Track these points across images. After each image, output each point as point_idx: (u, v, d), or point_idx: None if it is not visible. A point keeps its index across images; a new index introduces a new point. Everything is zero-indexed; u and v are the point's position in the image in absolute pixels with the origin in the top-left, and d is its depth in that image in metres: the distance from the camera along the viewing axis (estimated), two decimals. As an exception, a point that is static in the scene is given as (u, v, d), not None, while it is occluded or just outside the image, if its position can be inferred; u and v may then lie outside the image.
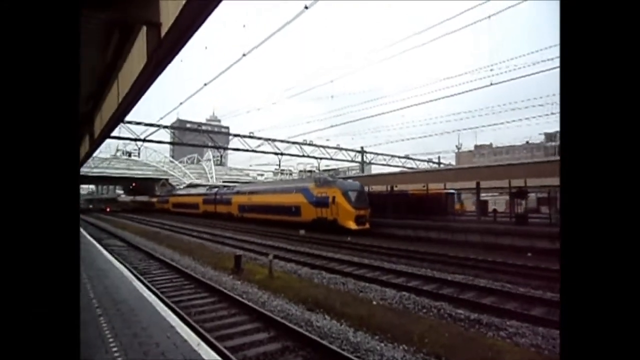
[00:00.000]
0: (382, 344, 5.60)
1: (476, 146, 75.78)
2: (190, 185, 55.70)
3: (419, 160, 49.90)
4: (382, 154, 45.97)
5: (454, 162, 55.47)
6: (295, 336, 5.75)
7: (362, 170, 46.26)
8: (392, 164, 46.81)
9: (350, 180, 25.36)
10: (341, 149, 42.81)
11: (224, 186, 43.37)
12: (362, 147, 44.09)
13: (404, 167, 47.59)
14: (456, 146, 61.97)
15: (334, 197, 22.26)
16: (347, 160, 44.92)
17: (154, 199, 61.59)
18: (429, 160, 50.36)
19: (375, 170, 48.42)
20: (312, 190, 24.37)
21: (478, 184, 21.12)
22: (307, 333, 5.80)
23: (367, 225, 21.83)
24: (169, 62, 4.45)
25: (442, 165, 47.39)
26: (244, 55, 9.67)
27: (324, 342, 5.45)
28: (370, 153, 45.16)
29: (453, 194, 26.10)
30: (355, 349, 5.46)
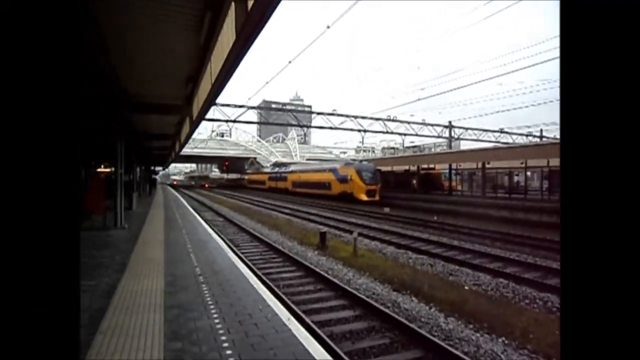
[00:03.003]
0: (478, 334, 5.15)
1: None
2: (275, 164, 58.94)
3: (515, 134, 45.00)
4: (472, 129, 42.49)
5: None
6: (382, 317, 5.60)
7: (450, 146, 43.45)
8: (484, 139, 43.04)
9: (365, 162, 32.43)
10: (427, 124, 40.62)
11: (284, 165, 51.82)
12: (449, 122, 41.23)
13: (497, 141, 43.43)
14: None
15: (351, 176, 29.22)
16: (434, 136, 42.51)
17: (239, 177, 70.32)
18: (529, 134, 45.04)
19: (464, 146, 45.13)
20: (339, 170, 31.57)
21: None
22: (394, 314, 5.61)
23: (377, 197, 28.10)
24: (256, 37, 4.45)
25: (544, 140, 41.90)
26: (328, 27, 9.43)
27: (412, 326, 5.21)
28: (459, 127, 42.05)
29: (444, 172, 30.46)
30: (447, 336, 5.12)
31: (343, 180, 30.33)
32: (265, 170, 57.55)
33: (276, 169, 51.00)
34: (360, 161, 33.82)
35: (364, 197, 27.92)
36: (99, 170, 19.92)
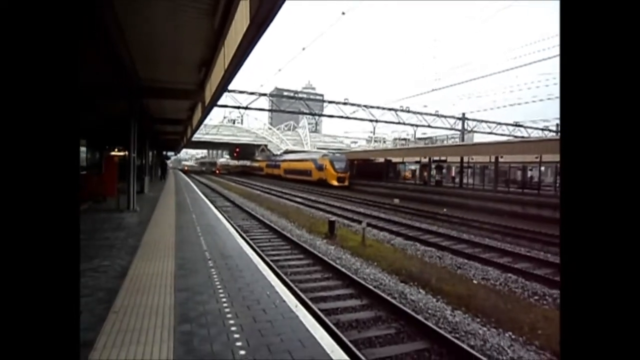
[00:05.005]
0: (485, 328, 5.14)
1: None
2: (287, 152, 59.39)
3: (531, 127, 44.06)
4: (486, 121, 41.74)
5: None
6: (389, 307, 5.62)
7: (462, 139, 42.83)
8: (498, 132, 42.27)
9: (338, 154, 39.23)
10: (440, 115, 40.01)
11: (278, 155, 58.23)
12: (463, 114, 40.54)
13: (511, 135, 42.65)
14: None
15: (325, 165, 36.05)
16: (446, 128, 41.90)
17: (246, 163, 74.75)
18: (545, 128, 44.06)
19: (477, 138, 44.45)
20: (318, 160, 37.94)
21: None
22: (400, 305, 5.62)
23: (346, 183, 34.98)
24: (270, 22, 4.39)
25: (559, 134, 40.94)
26: (343, 13, 9.26)
27: (419, 317, 5.22)
28: (473, 120, 41.34)
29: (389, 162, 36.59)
30: (454, 329, 5.12)
31: (320, 168, 36.96)
32: (264, 158, 64.89)
33: (272, 158, 58.96)
34: (334, 153, 40.60)
35: (335, 183, 34.80)
36: (112, 153, 20.21)
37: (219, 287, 4.45)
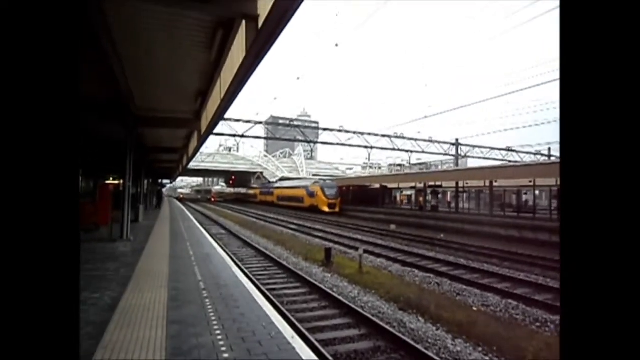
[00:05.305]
0: (487, 358, 4.99)
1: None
2: (282, 179, 59.85)
3: (523, 152, 44.73)
4: (479, 146, 42.37)
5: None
6: (388, 336, 5.47)
7: (457, 164, 43.27)
8: (491, 157, 42.82)
9: (329, 181, 41.55)
10: (433, 141, 40.61)
11: (270, 182, 61.01)
12: (456, 140, 41.19)
13: (504, 159, 43.20)
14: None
15: (316, 192, 37.21)
16: (440, 154, 42.42)
17: (241, 191, 75.27)
18: (537, 153, 44.72)
19: (470, 163, 44.96)
20: (309, 187, 39.47)
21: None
22: (400, 334, 5.48)
23: (337, 209, 35.77)
24: (266, 53, 4.53)
25: (552, 159, 41.58)
26: (336, 45, 9.56)
27: (419, 347, 5.07)
28: (466, 145, 41.95)
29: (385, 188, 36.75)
30: (456, 359, 4.97)
31: (312, 195, 38.16)
32: (259, 186, 66.46)
33: (266, 185, 61.26)
34: (325, 180, 43.15)
35: (326, 209, 35.71)
36: (107, 182, 20.11)
37: (213, 318, 4.33)
